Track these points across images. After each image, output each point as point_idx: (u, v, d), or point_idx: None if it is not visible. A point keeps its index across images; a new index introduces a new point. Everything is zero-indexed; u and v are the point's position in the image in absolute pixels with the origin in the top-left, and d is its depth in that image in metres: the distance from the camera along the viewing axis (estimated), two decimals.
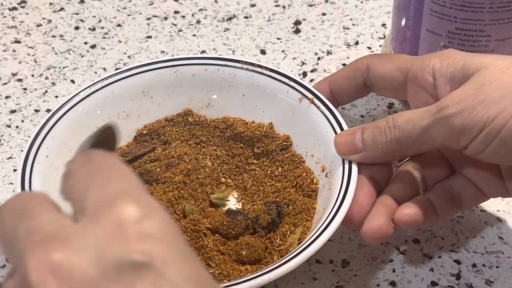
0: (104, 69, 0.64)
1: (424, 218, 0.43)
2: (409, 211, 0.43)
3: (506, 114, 0.39)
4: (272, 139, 0.52)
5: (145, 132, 0.53)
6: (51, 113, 0.50)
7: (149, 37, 0.68)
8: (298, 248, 0.41)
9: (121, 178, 0.29)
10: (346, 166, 0.45)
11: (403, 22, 0.55)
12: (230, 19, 0.70)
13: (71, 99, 0.51)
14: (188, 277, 0.26)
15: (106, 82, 0.52)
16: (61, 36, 0.68)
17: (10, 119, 0.60)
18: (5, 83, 0.63)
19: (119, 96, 0.52)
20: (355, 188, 0.43)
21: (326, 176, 0.47)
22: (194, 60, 0.54)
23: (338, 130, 0.47)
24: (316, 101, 0.50)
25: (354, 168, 0.44)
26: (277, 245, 0.46)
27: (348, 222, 0.43)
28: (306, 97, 0.50)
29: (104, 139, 0.41)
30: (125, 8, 0.72)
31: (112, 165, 0.30)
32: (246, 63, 0.53)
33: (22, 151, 0.57)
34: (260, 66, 0.52)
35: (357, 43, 0.67)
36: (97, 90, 0.52)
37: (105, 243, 0.26)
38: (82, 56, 0.66)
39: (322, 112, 0.49)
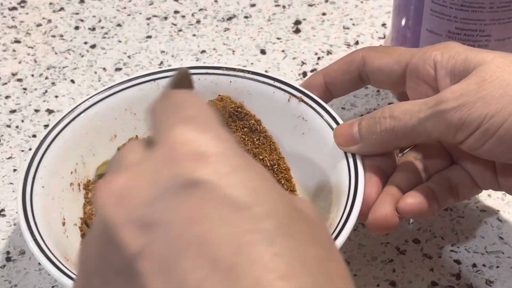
0: (104, 69, 0.64)
1: (427, 207, 0.43)
2: (413, 200, 0.43)
3: (505, 112, 0.39)
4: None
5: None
6: (39, 141, 0.47)
7: (149, 37, 0.68)
8: None
9: (191, 107, 0.29)
10: (351, 159, 0.44)
11: (403, 22, 0.55)
12: (230, 19, 0.70)
13: (56, 126, 0.48)
14: (251, 187, 0.26)
15: (88, 103, 0.50)
16: (61, 36, 0.68)
17: (10, 119, 0.60)
18: (5, 83, 0.63)
19: (103, 117, 0.50)
20: (364, 180, 0.43)
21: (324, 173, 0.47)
22: (173, 72, 0.51)
23: (333, 124, 0.47)
24: (305, 98, 0.49)
25: (359, 161, 0.44)
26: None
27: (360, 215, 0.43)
28: (295, 96, 0.49)
29: (181, 81, 0.42)
30: (125, 8, 0.72)
31: (187, 98, 0.30)
32: (227, 68, 0.51)
33: (22, 151, 0.57)
34: (242, 71, 0.51)
35: (357, 43, 0.67)
36: (81, 113, 0.49)
37: (160, 167, 0.27)
38: (82, 56, 0.66)
39: (314, 109, 0.48)
